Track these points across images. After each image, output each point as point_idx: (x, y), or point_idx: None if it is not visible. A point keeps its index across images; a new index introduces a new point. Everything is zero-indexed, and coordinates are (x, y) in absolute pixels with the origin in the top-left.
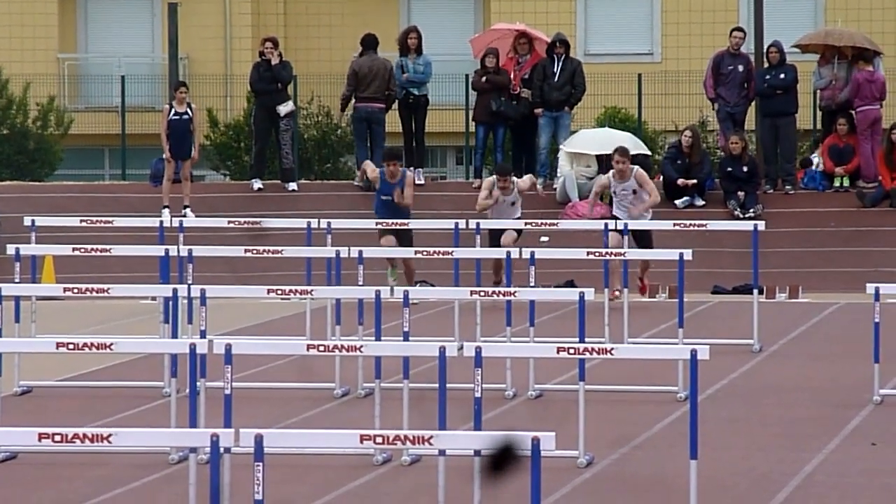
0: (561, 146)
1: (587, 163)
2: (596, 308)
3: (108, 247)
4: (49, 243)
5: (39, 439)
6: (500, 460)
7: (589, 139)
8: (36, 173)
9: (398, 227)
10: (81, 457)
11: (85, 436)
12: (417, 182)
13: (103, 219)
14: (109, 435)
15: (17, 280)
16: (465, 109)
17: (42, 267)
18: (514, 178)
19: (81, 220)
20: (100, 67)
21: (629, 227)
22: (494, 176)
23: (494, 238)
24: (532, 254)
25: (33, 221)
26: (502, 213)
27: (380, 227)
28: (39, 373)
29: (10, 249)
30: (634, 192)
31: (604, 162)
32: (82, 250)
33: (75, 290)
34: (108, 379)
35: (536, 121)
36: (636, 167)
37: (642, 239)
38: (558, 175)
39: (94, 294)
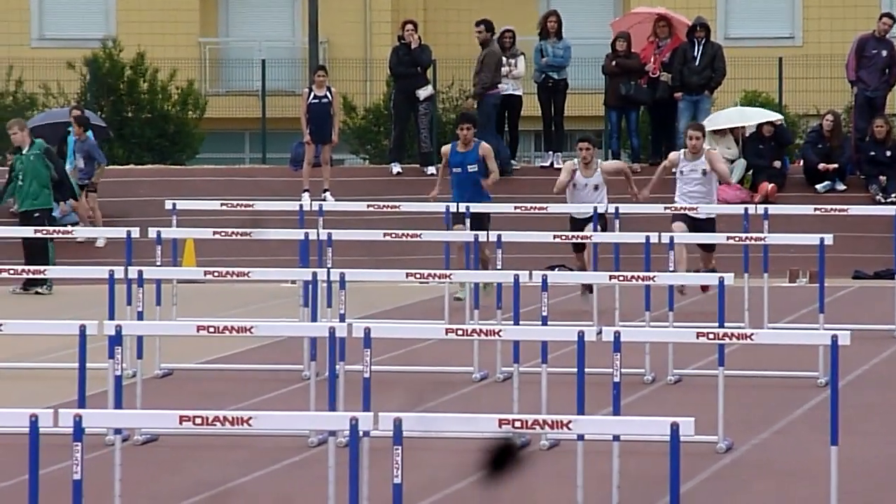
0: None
1: (727, 144)
2: (735, 292)
3: (248, 230)
4: (190, 227)
5: (180, 422)
6: (499, 462)
7: (728, 117)
8: (177, 157)
9: (472, 211)
10: (221, 439)
11: (225, 418)
12: (556, 166)
13: (244, 202)
14: (249, 418)
15: (158, 263)
16: (603, 94)
17: (183, 250)
18: (600, 161)
19: (222, 204)
20: (240, 52)
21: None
22: (576, 159)
23: (576, 225)
24: (671, 238)
25: (174, 205)
26: (583, 198)
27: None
28: (180, 356)
29: (152, 233)
30: (704, 172)
31: (742, 139)
32: (223, 234)
33: (216, 274)
34: (247, 362)
35: (676, 105)
36: (709, 147)
37: (705, 230)
38: None
39: (235, 277)
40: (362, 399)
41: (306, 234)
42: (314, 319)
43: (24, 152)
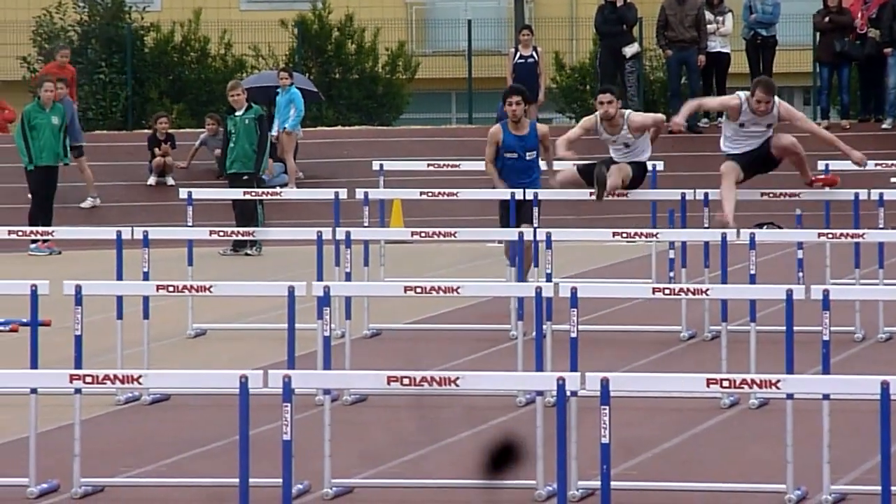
0: None
1: None
2: None
3: (454, 190)
4: (397, 187)
5: (388, 382)
6: (500, 459)
7: None
8: (384, 118)
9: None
10: (429, 399)
11: (433, 379)
12: None
13: (450, 162)
14: (457, 378)
15: (365, 224)
16: (812, 50)
17: (390, 211)
18: (628, 112)
19: (428, 164)
20: (447, 12)
21: None
22: (597, 114)
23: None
24: (881, 195)
25: (381, 165)
26: (615, 152)
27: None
28: (388, 316)
29: (359, 193)
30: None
31: None
32: (429, 194)
33: (423, 234)
34: (454, 322)
35: (885, 60)
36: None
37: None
38: None
39: (442, 238)
40: (570, 359)
41: (513, 194)
42: (521, 279)
43: (238, 115)
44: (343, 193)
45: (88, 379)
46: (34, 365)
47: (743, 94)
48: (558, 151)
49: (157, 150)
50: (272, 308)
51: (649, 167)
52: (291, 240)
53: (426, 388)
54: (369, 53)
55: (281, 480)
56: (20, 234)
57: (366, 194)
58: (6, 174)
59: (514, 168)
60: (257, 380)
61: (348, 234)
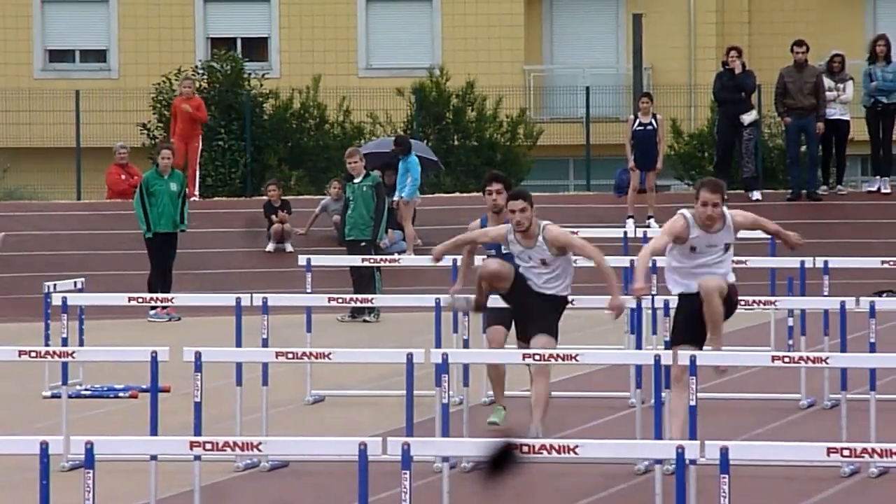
0: None
1: None
2: None
3: (574, 258)
4: None
5: None
6: (498, 464)
7: None
8: None
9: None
10: (548, 467)
11: (552, 446)
12: (883, 191)
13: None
14: (576, 446)
15: None
16: None
17: None
18: (545, 223)
19: None
20: (565, 79)
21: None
22: (508, 225)
23: (519, 329)
24: None
25: None
26: (524, 266)
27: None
28: (507, 383)
29: (477, 260)
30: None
31: None
32: None
33: None
34: (573, 389)
35: None
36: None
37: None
38: None
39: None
40: (689, 427)
41: (631, 262)
42: (639, 346)
43: (356, 182)
44: (460, 260)
45: (208, 446)
46: (154, 431)
47: (687, 212)
48: (434, 253)
49: (273, 217)
50: (390, 374)
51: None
52: (409, 306)
53: (545, 456)
54: (490, 120)
55: None
56: (140, 300)
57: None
58: (127, 240)
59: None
60: (376, 447)
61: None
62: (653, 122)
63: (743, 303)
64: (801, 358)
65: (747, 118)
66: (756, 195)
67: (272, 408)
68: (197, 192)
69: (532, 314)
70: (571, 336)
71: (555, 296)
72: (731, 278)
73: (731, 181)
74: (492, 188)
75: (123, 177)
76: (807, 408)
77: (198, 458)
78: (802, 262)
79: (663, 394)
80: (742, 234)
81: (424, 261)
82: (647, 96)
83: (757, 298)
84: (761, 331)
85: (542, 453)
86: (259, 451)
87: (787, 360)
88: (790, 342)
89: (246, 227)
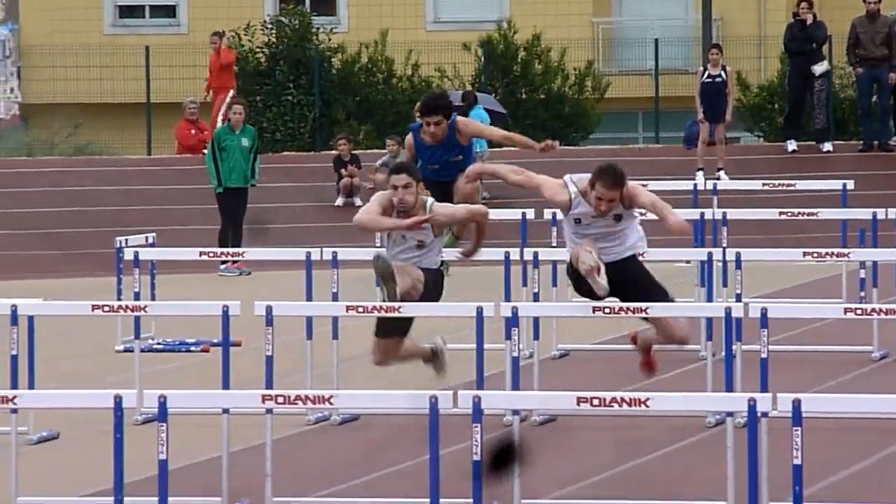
0: None
1: None
2: None
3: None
4: None
5: (578, 403)
6: (501, 458)
7: None
8: (571, 138)
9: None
10: (618, 420)
11: (622, 399)
12: None
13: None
14: (647, 399)
15: (553, 244)
16: None
17: None
18: (431, 201)
19: None
20: (633, 31)
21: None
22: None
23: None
24: None
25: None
26: (398, 254)
27: None
28: (576, 336)
29: (547, 214)
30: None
31: None
32: None
33: None
34: None
35: None
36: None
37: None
38: None
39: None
40: (759, 379)
41: (701, 214)
42: (710, 299)
43: None
44: (530, 214)
45: (280, 399)
46: (226, 385)
47: (573, 184)
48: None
49: (342, 171)
50: (460, 328)
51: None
52: (478, 260)
53: (616, 409)
54: (556, 73)
55: (471, 501)
56: (211, 255)
57: (554, 214)
58: (198, 195)
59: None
60: (447, 400)
61: (536, 254)
62: (722, 73)
63: (814, 255)
64: (873, 310)
65: (819, 69)
66: (827, 146)
67: (342, 362)
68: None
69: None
70: None
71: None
72: (641, 247)
73: (803, 132)
74: (430, 120)
75: (193, 132)
76: (879, 360)
77: (269, 411)
78: (874, 214)
79: (734, 347)
80: (811, 184)
81: (493, 214)
82: (717, 48)
83: (829, 250)
84: (833, 283)
85: (612, 406)
86: (330, 404)
87: (859, 312)
88: (862, 294)
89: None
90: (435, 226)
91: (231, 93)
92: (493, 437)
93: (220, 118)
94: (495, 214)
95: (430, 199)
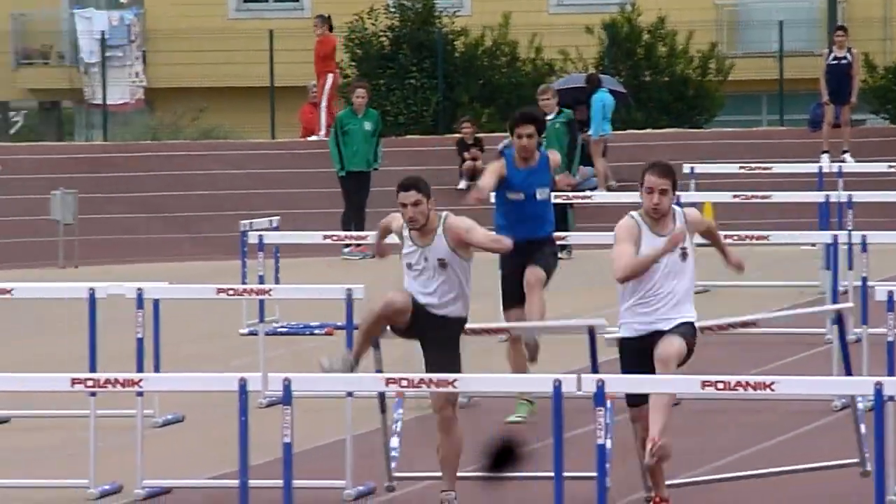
0: None
1: None
2: None
3: (767, 193)
4: (708, 190)
5: (703, 387)
6: (500, 459)
7: None
8: (694, 120)
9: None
10: (743, 403)
11: (748, 383)
12: None
13: (761, 165)
14: (772, 383)
15: None
16: None
17: (701, 212)
18: (446, 214)
19: (740, 167)
20: (758, 13)
21: None
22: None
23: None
24: None
25: (693, 168)
26: (415, 281)
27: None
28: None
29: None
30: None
31: None
32: (742, 197)
33: (735, 238)
34: (768, 326)
35: None
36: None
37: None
38: None
39: (754, 241)
40: (886, 363)
41: (826, 196)
42: (835, 283)
43: (549, 118)
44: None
45: (404, 382)
46: None
47: (636, 213)
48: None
49: (465, 154)
50: (582, 312)
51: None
52: (602, 243)
53: (740, 393)
54: (680, 56)
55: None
56: (334, 238)
57: (678, 197)
58: (321, 179)
59: (520, 211)
60: (571, 383)
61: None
62: (847, 55)
63: None
64: None
65: None
66: None
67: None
68: (322, 132)
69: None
70: (766, 272)
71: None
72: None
73: None
74: (522, 131)
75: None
76: None
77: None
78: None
79: (860, 330)
80: None
81: (616, 197)
82: (842, 29)
83: None
84: None
85: (737, 390)
86: (454, 387)
87: None
88: None
89: None
90: (454, 241)
91: (330, 77)
92: (494, 438)
93: (323, 103)
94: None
95: (444, 213)
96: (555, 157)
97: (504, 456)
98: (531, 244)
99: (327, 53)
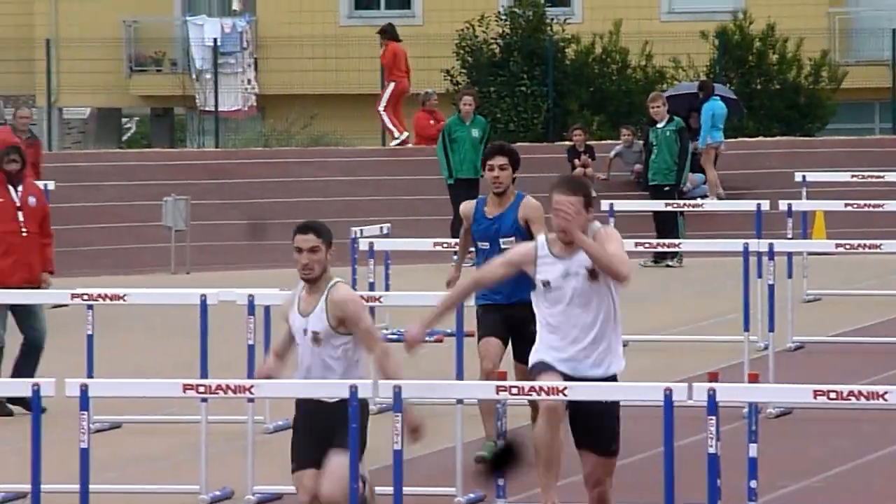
0: None
1: None
2: None
3: (879, 202)
4: (820, 198)
5: (814, 396)
6: (503, 459)
7: None
8: (807, 128)
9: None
10: (854, 413)
11: (860, 393)
12: None
13: (874, 174)
14: (885, 392)
15: (788, 236)
16: None
17: (813, 222)
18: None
19: (853, 176)
20: (870, 21)
21: None
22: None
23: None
24: None
25: (804, 177)
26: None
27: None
28: (812, 329)
29: (783, 205)
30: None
31: None
32: (854, 205)
33: (847, 247)
34: (880, 335)
35: None
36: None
37: None
38: None
39: (866, 250)
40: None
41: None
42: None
43: (659, 126)
44: (765, 205)
45: (514, 390)
46: (460, 375)
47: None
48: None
49: (576, 161)
50: (695, 320)
51: None
52: (713, 251)
53: (853, 403)
54: (792, 63)
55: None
56: (444, 245)
57: (789, 206)
58: (430, 186)
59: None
60: (682, 392)
61: (771, 245)
62: None
63: None
64: None
65: None
66: None
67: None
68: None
69: None
70: (879, 282)
71: None
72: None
73: None
74: (493, 162)
75: (431, 122)
76: None
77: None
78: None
79: None
80: None
81: (727, 205)
82: None
83: None
84: None
85: (849, 399)
86: (564, 395)
87: None
88: None
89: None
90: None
91: (391, 85)
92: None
93: (380, 107)
94: (728, 206)
95: (335, 280)
96: (530, 205)
97: (507, 456)
98: (510, 318)
99: (388, 63)
